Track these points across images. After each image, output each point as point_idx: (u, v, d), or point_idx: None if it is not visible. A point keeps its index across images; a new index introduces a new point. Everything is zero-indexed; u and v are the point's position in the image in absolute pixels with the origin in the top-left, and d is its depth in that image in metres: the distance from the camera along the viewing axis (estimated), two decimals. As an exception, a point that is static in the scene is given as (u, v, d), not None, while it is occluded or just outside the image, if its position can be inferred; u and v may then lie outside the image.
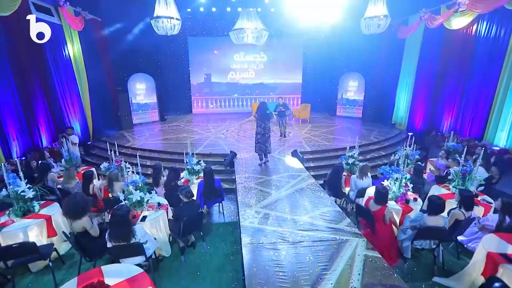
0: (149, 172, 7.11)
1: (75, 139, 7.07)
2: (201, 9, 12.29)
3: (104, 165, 5.57)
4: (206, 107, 14.56)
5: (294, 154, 7.09)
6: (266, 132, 5.89)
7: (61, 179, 5.34)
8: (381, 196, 3.59)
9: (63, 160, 5.93)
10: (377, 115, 11.79)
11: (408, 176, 4.19)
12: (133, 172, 4.45)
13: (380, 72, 11.75)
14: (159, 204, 4.03)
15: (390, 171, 4.12)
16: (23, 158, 6.35)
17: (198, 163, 5.54)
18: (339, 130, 10.47)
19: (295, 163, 6.62)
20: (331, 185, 5.21)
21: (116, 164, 5.50)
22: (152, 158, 7.71)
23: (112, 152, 5.56)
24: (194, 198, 4.75)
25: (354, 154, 5.63)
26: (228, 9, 12.17)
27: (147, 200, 3.94)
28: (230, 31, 9.32)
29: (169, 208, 4.33)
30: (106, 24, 10.37)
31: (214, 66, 14.00)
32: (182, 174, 5.57)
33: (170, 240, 4.13)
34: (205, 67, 13.95)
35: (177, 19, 7.03)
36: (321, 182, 6.45)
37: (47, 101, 7.64)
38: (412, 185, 4.15)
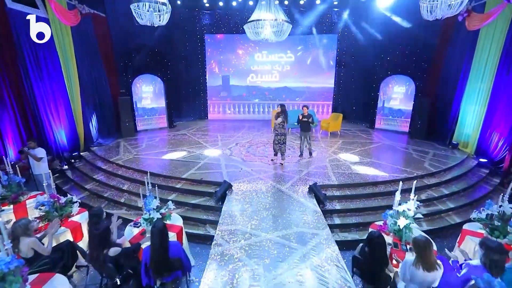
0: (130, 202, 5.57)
1: (40, 152, 5.68)
2: (220, 3, 10.77)
3: (39, 199, 4.01)
4: (223, 112, 12.97)
5: (313, 189, 5.00)
6: (277, 132, 6.43)
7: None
8: None
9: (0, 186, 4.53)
10: (430, 131, 9.14)
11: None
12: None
13: (437, 75, 9.12)
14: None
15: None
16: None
17: (161, 207, 3.74)
18: (379, 150, 8.03)
19: (310, 209, 4.53)
20: (366, 267, 3.05)
21: (52, 199, 3.93)
22: (132, 180, 6.13)
23: (51, 177, 4.01)
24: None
25: (408, 210, 3.35)
26: (251, 2, 10.44)
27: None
28: (244, 24, 7.47)
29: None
30: (109, 19, 9.16)
31: (233, 67, 12.37)
32: (138, 219, 3.85)
33: None
34: (224, 68, 12.36)
35: (162, 3, 5.32)
36: (349, 237, 4.39)
37: (18, 106, 6.47)
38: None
